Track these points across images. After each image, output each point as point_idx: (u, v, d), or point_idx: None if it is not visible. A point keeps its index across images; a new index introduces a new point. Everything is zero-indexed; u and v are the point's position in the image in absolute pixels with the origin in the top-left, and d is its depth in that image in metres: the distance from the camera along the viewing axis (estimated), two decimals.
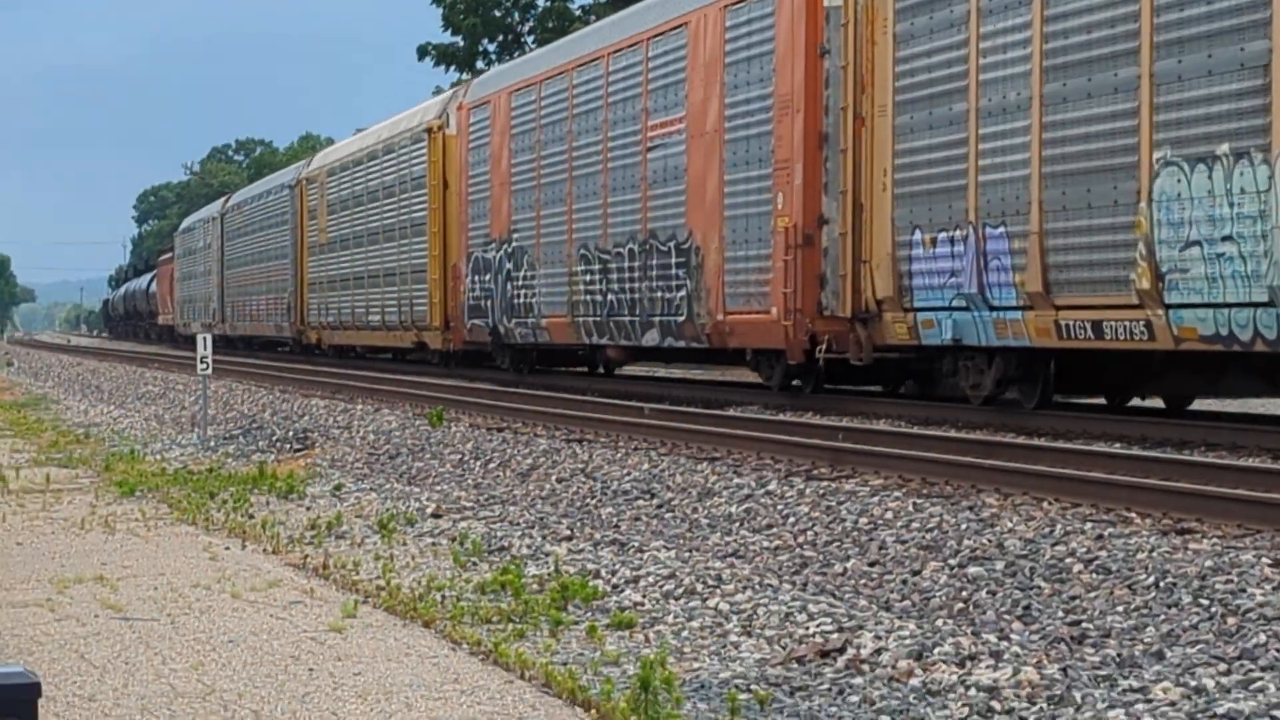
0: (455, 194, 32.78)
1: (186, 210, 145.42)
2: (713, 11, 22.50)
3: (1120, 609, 8.11)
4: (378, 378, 30.21)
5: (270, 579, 10.07)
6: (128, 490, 14.82)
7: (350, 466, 17.05)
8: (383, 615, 8.95)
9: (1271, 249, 13.41)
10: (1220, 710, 6.30)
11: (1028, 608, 8.40)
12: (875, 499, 11.45)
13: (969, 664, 7.33)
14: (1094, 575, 8.74)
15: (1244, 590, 7.98)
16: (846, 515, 11.09)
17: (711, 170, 22.34)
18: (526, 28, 59.95)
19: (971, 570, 9.18)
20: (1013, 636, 7.90)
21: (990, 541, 9.68)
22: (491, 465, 15.86)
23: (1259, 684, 6.65)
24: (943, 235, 17.65)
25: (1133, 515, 10.14)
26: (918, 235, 18.15)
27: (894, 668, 7.36)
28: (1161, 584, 8.34)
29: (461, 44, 60.30)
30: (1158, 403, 18.55)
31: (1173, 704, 6.49)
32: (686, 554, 10.59)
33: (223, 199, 64.80)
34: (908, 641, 7.73)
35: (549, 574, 9.87)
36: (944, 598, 8.87)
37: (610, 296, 25.34)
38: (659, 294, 23.79)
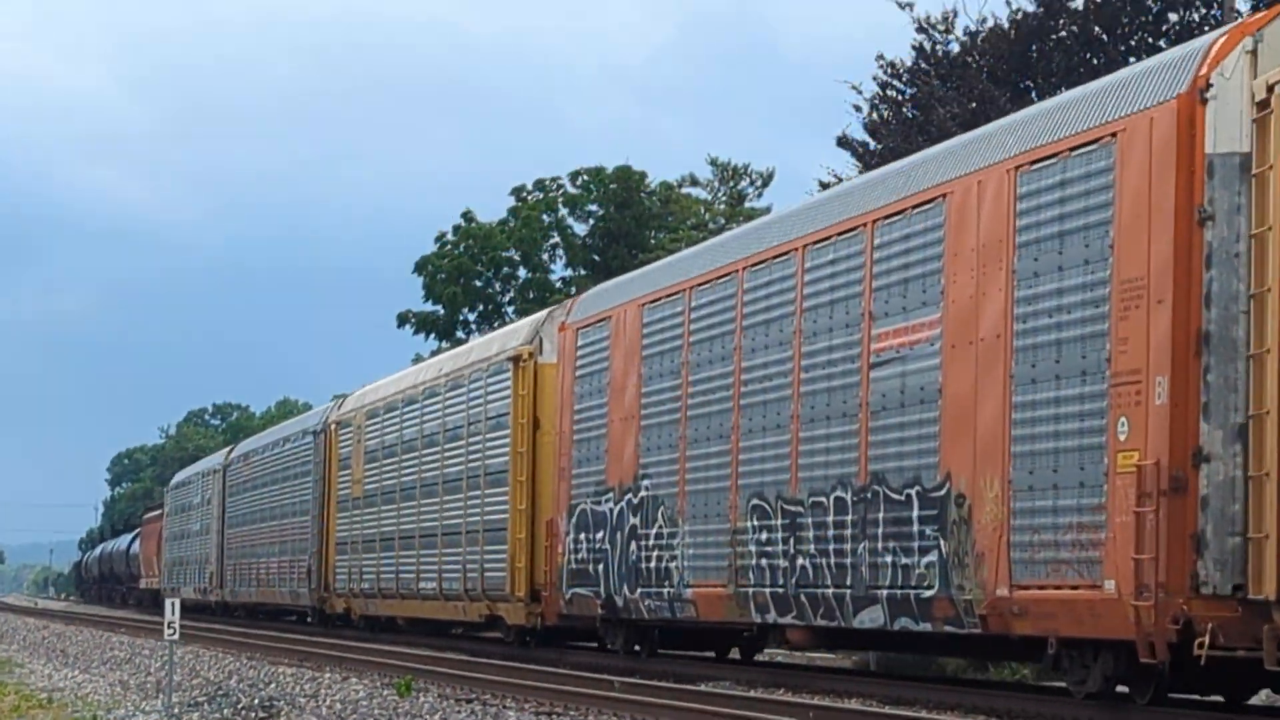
0: (550, 434, 27.41)
1: (161, 474, 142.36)
2: (993, 176, 16.61)
3: None
4: (346, 645, 30.73)
5: None
6: None
7: None
8: None
9: None
10: None
11: None
12: None
13: None
14: None
15: None
16: None
17: (988, 389, 16.45)
18: (507, 298, 61.73)
19: None
20: None
21: None
22: None
23: None
24: None
25: None
26: None
27: None
28: None
29: (442, 312, 61.66)
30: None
31: None
32: None
33: (226, 449, 59.39)
34: None
35: None
36: None
37: (801, 561, 19.50)
38: (887, 558, 17.96)
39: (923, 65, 35.04)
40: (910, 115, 35.17)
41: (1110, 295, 14.87)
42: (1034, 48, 33.47)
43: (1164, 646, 13.98)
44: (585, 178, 62.33)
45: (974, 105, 32.50)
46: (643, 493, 23.61)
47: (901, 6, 35.03)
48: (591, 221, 61.91)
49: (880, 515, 18.06)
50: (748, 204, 60.08)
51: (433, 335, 62.01)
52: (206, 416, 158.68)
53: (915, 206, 17.88)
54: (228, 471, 53.66)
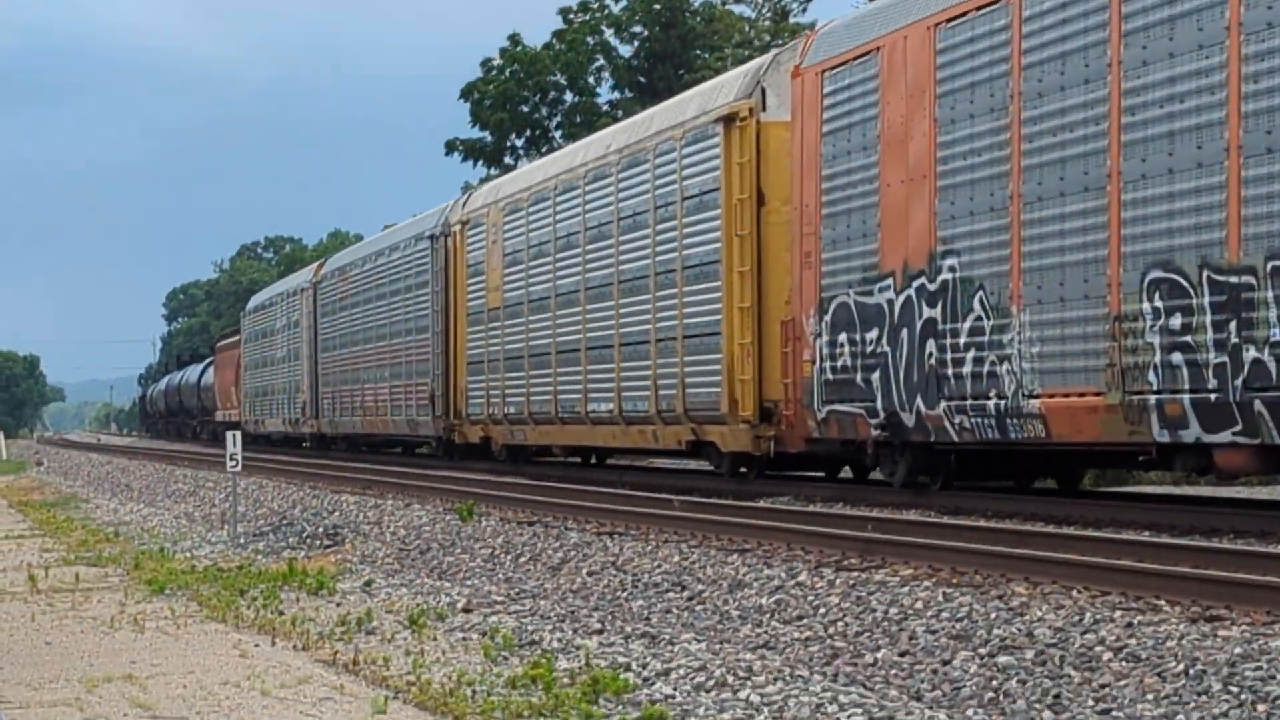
0: (781, 211, 21.57)
1: (216, 308, 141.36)
2: None
3: (1150, 697, 8.21)
4: (407, 473, 30.46)
5: (300, 676, 10.19)
6: (157, 588, 14.90)
7: (381, 562, 17.02)
8: (413, 710, 9.08)
9: None
10: None
11: (1058, 697, 8.47)
12: (905, 589, 11.55)
13: None
14: (1124, 663, 8.82)
15: (1274, 677, 8.11)
16: (877, 605, 11.15)
17: None
18: (554, 123, 61.61)
19: (1001, 659, 9.25)
20: None
21: (1020, 630, 9.80)
22: (522, 559, 15.86)
23: None
24: None
25: (1162, 603, 10.22)
26: None
27: None
28: (1191, 672, 8.43)
29: (489, 139, 61.65)
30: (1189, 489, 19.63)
31: None
32: (717, 646, 10.66)
33: (316, 264, 52.11)
34: None
35: (580, 667, 9.88)
36: (974, 687, 8.96)
37: (1253, 354, 13.76)
38: None
39: None
40: None
41: None
42: None
43: None
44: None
45: None
46: (944, 275, 17.71)
47: None
48: (636, 43, 60.84)
49: None
50: (792, 19, 58.30)
51: (481, 162, 61.72)
52: (259, 250, 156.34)
53: None
54: (319, 289, 47.18)
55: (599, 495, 21.59)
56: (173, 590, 14.83)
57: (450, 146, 62.15)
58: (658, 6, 59.69)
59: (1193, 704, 7.94)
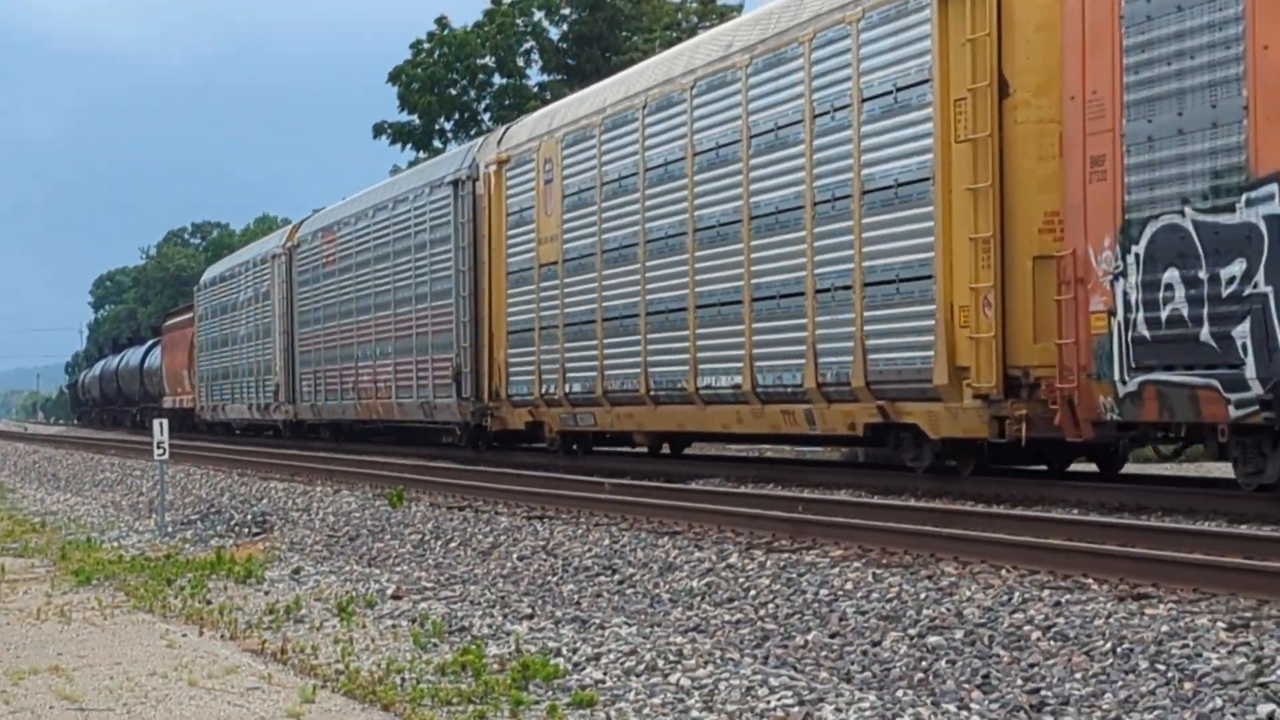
0: (1034, 106, 16.58)
1: (143, 295, 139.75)
2: None
3: (1078, 676, 8.29)
4: (336, 458, 29.71)
5: (228, 665, 10.13)
6: (84, 579, 14.77)
7: (309, 549, 17.00)
8: (341, 699, 9.01)
9: None
10: None
11: (986, 676, 8.55)
12: (835, 570, 11.56)
13: None
14: (1052, 642, 8.88)
15: (1200, 655, 8.18)
16: (807, 587, 11.15)
17: None
18: (483, 105, 61.18)
19: (931, 640, 9.30)
20: (973, 706, 8.14)
21: (949, 610, 9.81)
22: (452, 544, 15.83)
23: None
24: None
25: (1090, 581, 10.25)
26: None
27: None
28: (1118, 650, 8.50)
29: (418, 122, 61.33)
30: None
31: None
32: (648, 630, 10.68)
33: (289, 227, 44.94)
34: (869, 713, 8.01)
35: (510, 653, 9.90)
36: (904, 668, 9.02)
37: None
38: None
39: None
40: None
41: None
42: None
43: None
44: None
45: None
46: None
47: None
48: (565, 26, 60.75)
49: None
50: (720, 1, 58.44)
51: (410, 146, 61.46)
52: (186, 236, 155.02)
53: None
54: (295, 255, 40.98)
55: (529, 479, 21.39)
56: (100, 580, 14.76)
57: (378, 130, 61.92)
58: None
59: (1120, 682, 7.99)
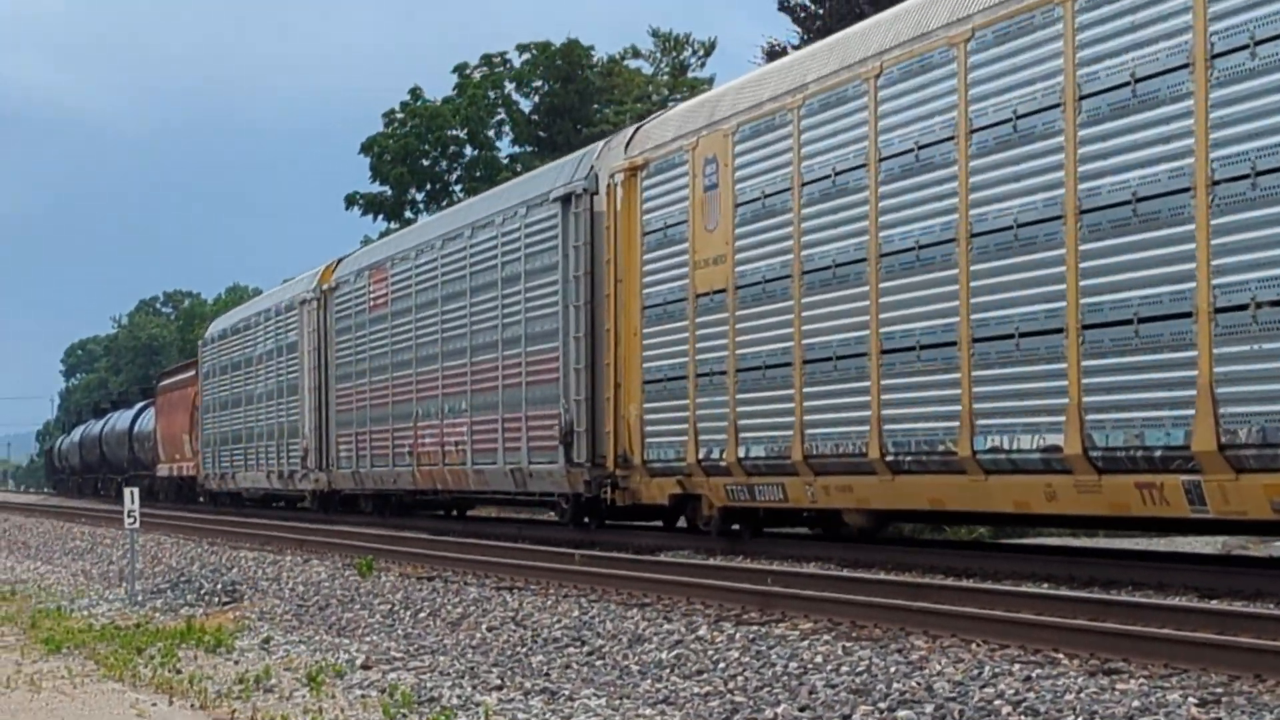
0: None
1: (115, 364, 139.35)
2: None
3: None
4: (305, 528, 29.03)
5: None
6: (54, 647, 14.74)
7: (279, 619, 16.87)
8: None
9: None
10: None
11: None
12: (805, 643, 11.62)
13: None
14: (1022, 717, 8.84)
15: None
16: (776, 660, 11.16)
17: None
18: (454, 176, 61.94)
19: (901, 714, 9.24)
20: None
21: (919, 684, 9.80)
22: (421, 615, 15.82)
23: None
24: None
25: (1060, 656, 10.30)
26: None
27: None
28: None
29: (390, 193, 61.69)
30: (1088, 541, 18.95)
31: None
32: (617, 701, 10.62)
33: (321, 268, 37.40)
34: None
35: None
36: None
37: None
38: None
39: None
40: None
41: None
42: None
43: None
44: (532, 52, 61.72)
45: None
46: None
47: None
48: (536, 98, 61.72)
49: None
50: (690, 74, 59.46)
51: (381, 216, 62.29)
52: (158, 305, 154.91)
53: None
54: (331, 300, 35.43)
55: (499, 550, 21.28)
56: (70, 649, 14.65)
57: (350, 200, 62.65)
58: (559, 62, 60.40)
59: None
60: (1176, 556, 17.80)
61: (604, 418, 23.11)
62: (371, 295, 32.88)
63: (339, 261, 36.41)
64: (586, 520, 24.52)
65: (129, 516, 21.10)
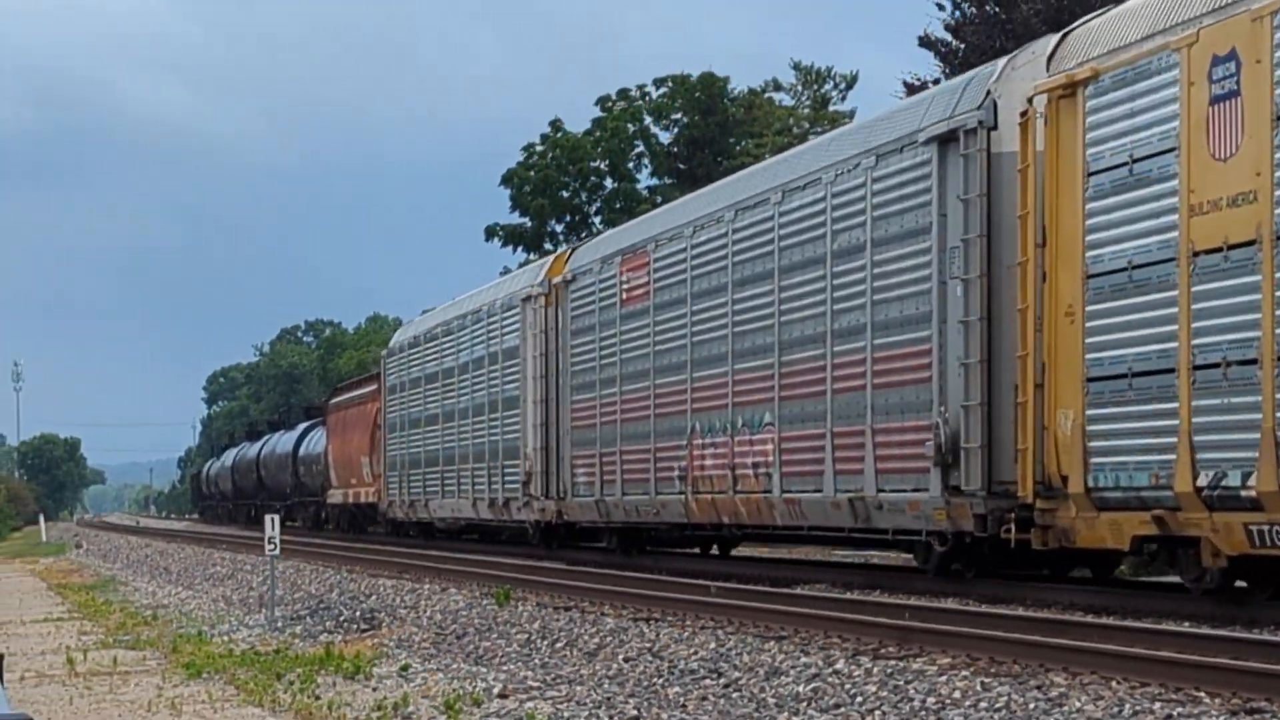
0: None
1: (256, 392, 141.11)
2: None
3: None
4: (445, 556, 28.89)
5: None
6: (194, 672, 14.88)
7: (417, 646, 16.92)
8: None
9: None
10: None
11: None
12: (943, 678, 11.47)
13: None
14: None
15: None
16: (914, 694, 11.06)
17: None
18: (593, 208, 61.62)
19: None
20: None
21: None
22: (558, 644, 15.83)
23: None
24: None
25: (1202, 694, 10.18)
26: None
27: None
28: None
29: (529, 225, 61.57)
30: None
31: None
32: None
33: (550, 258, 32.54)
34: None
35: None
36: None
37: None
38: None
39: None
40: (992, 12, 33.88)
41: None
42: None
43: None
44: (670, 85, 61.71)
45: None
46: None
47: None
48: (676, 130, 61.66)
49: None
50: (832, 107, 58.92)
51: (520, 248, 61.77)
52: (300, 334, 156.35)
53: None
54: (566, 295, 29.42)
55: (635, 580, 21.20)
56: (210, 674, 14.83)
57: (490, 232, 62.76)
58: (697, 94, 60.45)
59: None
60: None
61: (1009, 429, 17.34)
62: (624, 286, 26.79)
63: (571, 251, 31.07)
64: (957, 567, 19.03)
65: (269, 543, 21.45)
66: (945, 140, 18.35)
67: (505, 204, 62.66)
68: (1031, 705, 10.19)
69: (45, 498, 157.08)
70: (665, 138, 62.21)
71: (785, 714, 11.18)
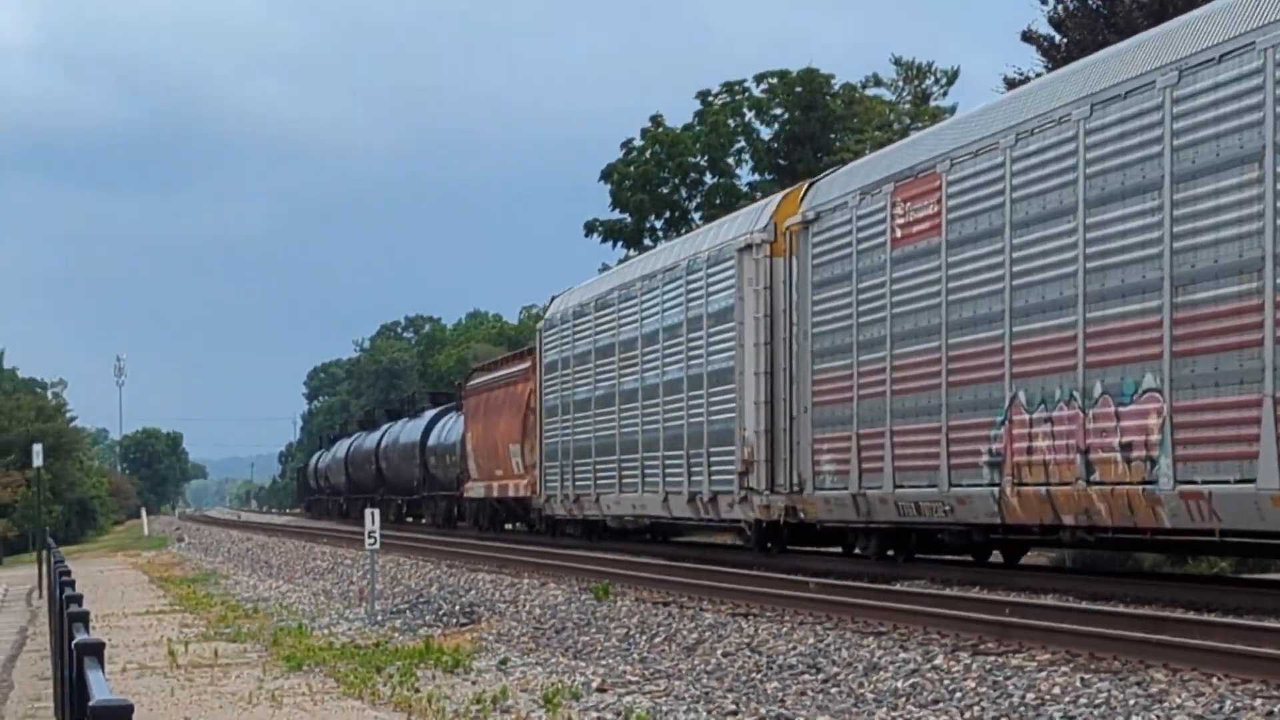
0: None
1: (356, 388, 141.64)
2: None
3: None
4: (543, 552, 28.58)
5: None
6: (294, 665, 14.96)
7: (516, 641, 17.00)
8: None
9: None
10: None
11: None
12: (1043, 674, 11.42)
13: None
14: None
15: None
16: (1014, 690, 10.98)
17: None
18: (693, 204, 60.92)
19: None
20: None
21: (1159, 717, 9.69)
22: (657, 639, 15.80)
23: None
24: None
25: None
26: None
27: None
28: None
29: (629, 220, 60.88)
30: None
31: None
32: None
33: (773, 199, 26.65)
34: None
35: None
36: None
37: None
38: None
39: None
40: (1095, 7, 33.62)
41: None
42: None
43: None
44: (770, 81, 60.79)
45: None
46: None
47: None
48: (776, 126, 60.70)
49: None
50: (933, 103, 57.93)
51: (620, 243, 61.15)
52: (400, 329, 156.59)
53: None
54: (806, 241, 23.96)
55: (733, 576, 21.06)
56: (310, 667, 14.89)
57: (590, 228, 62.50)
58: (798, 89, 60.01)
59: None
60: None
61: None
62: (898, 221, 21.42)
63: (809, 185, 25.10)
64: None
65: (369, 538, 21.59)
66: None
67: (605, 199, 62.39)
68: (1131, 701, 10.11)
69: (147, 492, 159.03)
70: (766, 134, 61.53)
71: (884, 709, 11.13)
